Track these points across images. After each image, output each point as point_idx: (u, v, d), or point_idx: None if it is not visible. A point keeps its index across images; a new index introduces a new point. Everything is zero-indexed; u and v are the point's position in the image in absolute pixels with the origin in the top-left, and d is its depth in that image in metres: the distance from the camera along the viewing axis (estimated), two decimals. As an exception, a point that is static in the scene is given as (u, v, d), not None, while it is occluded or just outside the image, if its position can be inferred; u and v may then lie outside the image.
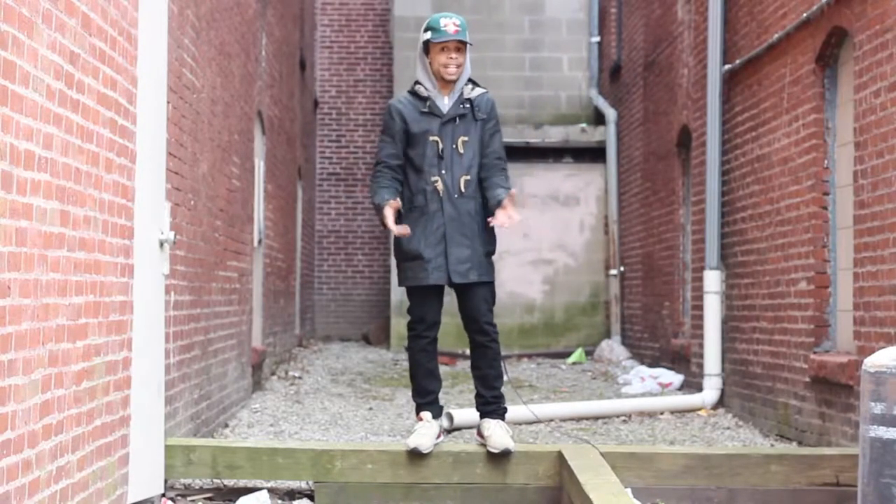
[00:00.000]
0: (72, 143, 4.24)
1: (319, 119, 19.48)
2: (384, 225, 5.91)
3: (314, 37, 18.98)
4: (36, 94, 3.83)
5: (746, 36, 9.30)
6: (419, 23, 16.86)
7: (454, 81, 5.98)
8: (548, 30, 16.64)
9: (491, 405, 6.07)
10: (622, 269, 15.41)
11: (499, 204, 5.87)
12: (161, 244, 5.57)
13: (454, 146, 5.97)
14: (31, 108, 3.78)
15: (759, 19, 8.95)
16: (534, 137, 16.08)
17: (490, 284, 6.03)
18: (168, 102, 6.00)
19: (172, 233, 5.65)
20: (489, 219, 5.94)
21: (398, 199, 5.89)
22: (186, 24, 6.76)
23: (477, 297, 5.99)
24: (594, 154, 16.13)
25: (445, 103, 6.00)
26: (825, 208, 7.73)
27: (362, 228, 19.54)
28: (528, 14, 16.65)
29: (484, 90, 6.11)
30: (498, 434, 5.94)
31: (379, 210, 5.89)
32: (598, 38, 16.61)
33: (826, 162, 7.73)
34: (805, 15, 7.82)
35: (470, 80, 6.08)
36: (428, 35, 5.95)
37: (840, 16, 7.31)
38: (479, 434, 6.08)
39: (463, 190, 5.96)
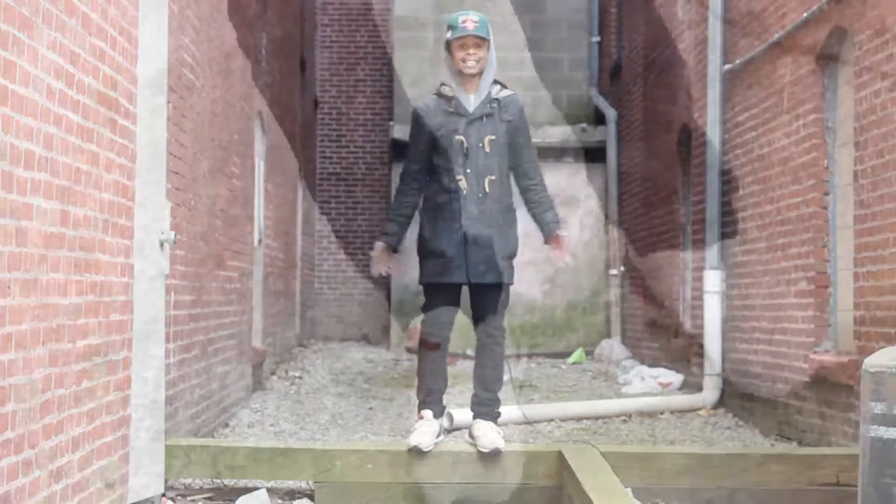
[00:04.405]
0: (72, 143, 4.24)
1: (319, 119, 19.46)
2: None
3: (314, 37, 18.96)
4: (36, 93, 3.83)
5: (747, 35, 9.29)
6: (419, 23, 16.91)
7: (476, 77, 5.95)
8: (548, 30, 16.63)
9: (484, 406, 6.07)
10: (622, 269, 15.41)
11: (550, 235, 6.04)
12: (161, 244, 5.57)
13: (480, 145, 5.93)
14: (31, 108, 3.78)
15: (760, 19, 8.94)
16: (534, 137, 16.03)
17: (505, 287, 6.02)
18: (168, 102, 5.99)
19: (172, 233, 5.65)
20: (551, 249, 6.09)
21: (396, 246, 6.08)
22: (186, 24, 6.76)
23: (489, 298, 5.99)
24: (594, 154, 16.12)
25: (472, 102, 5.97)
26: (825, 208, 7.72)
27: (362, 228, 19.53)
28: (528, 14, 16.64)
29: (512, 92, 6.08)
30: (488, 434, 5.93)
31: (377, 245, 6.13)
32: (598, 38, 16.60)
33: (826, 162, 7.73)
34: (805, 15, 7.82)
35: (497, 82, 6.04)
36: (448, 34, 5.94)
37: (840, 15, 7.30)
38: (471, 435, 6.08)
39: (487, 190, 5.92)
